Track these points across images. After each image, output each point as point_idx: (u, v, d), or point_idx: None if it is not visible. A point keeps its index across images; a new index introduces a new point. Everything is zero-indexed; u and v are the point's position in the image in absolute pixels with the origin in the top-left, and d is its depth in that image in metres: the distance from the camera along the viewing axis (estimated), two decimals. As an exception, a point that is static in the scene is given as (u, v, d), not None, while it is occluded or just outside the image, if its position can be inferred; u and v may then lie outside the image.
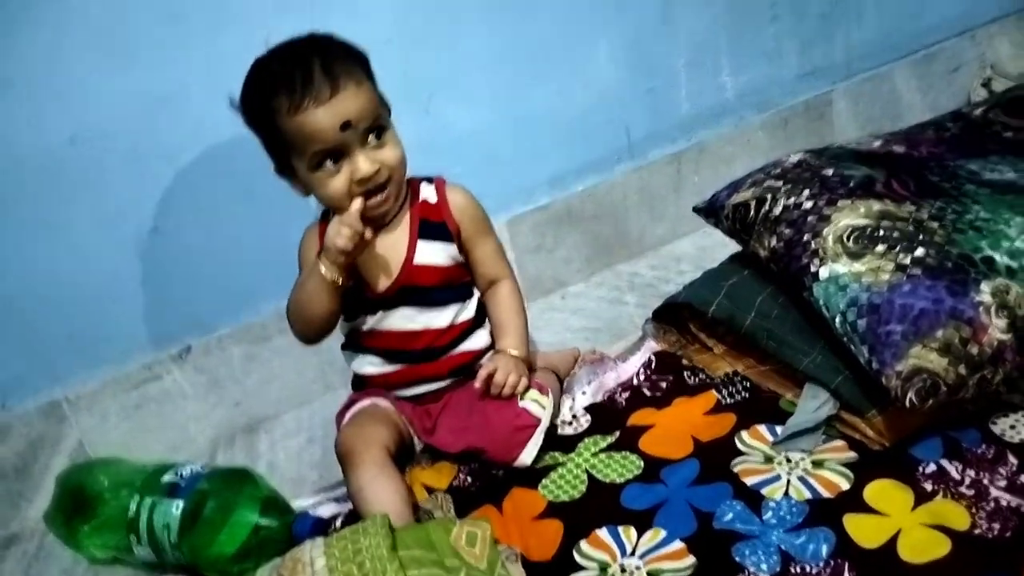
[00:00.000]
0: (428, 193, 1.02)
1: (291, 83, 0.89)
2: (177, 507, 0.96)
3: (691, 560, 0.80)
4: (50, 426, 1.16)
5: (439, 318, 1.01)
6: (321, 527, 0.96)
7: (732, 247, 1.18)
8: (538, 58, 1.32)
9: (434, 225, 1.01)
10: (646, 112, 1.42)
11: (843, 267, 0.91)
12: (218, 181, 1.17)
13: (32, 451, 1.16)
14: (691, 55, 1.43)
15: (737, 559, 0.79)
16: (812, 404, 0.93)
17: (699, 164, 1.47)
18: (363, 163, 0.92)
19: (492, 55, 1.29)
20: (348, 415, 1.04)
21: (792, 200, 1.01)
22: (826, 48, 1.54)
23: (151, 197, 1.14)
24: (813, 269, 0.93)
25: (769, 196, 1.03)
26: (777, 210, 1.01)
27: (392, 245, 1.00)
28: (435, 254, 1.01)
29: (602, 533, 0.86)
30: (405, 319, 1.01)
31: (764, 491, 0.86)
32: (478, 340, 1.06)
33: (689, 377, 1.07)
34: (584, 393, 1.08)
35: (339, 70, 0.90)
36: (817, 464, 0.88)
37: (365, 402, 1.04)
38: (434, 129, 1.28)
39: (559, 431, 1.03)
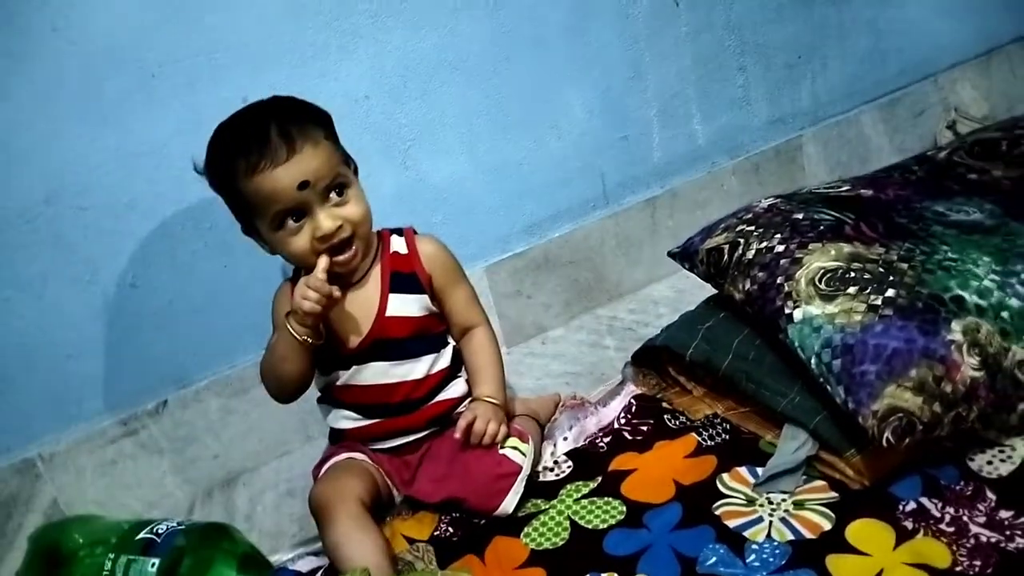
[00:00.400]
0: (398, 245, 1.03)
1: (248, 146, 0.90)
2: (153, 565, 0.94)
3: (675, 606, 0.80)
4: (24, 484, 1.14)
5: (414, 370, 1.01)
6: (300, 583, 0.94)
7: (709, 289, 1.19)
8: (512, 109, 1.34)
9: (405, 277, 1.01)
10: (620, 160, 1.45)
11: (816, 309, 0.92)
12: (195, 235, 1.17)
13: (5, 510, 1.14)
14: (662, 105, 1.46)
15: (721, 604, 0.79)
16: (791, 445, 0.94)
17: (673, 209, 1.50)
18: (324, 220, 0.92)
19: (468, 107, 1.31)
20: (323, 469, 1.03)
21: (764, 244, 1.02)
22: (793, 95, 1.58)
23: (127, 252, 1.14)
24: (787, 311, 0.95)
25: (742, 240, 1.05)
26: (750, 254, 1.03)
27: (363, 300, 1.00)
28: (407, 306, 1.01)
29: (585, 580, 0.85)
30: (380, 373, 1.01)
31: (747, 533, 0.86)
32: (455, 389, 1.05)
33: (669, 420, 1.07)
34: (566, 439, 1.07)
35: (296, 131, 0.91)
36: (799, 505, 0.89)
37: (340, 456, 1.03)
38: (412, 181, 1.29)
39: (541, 478, 1.03)
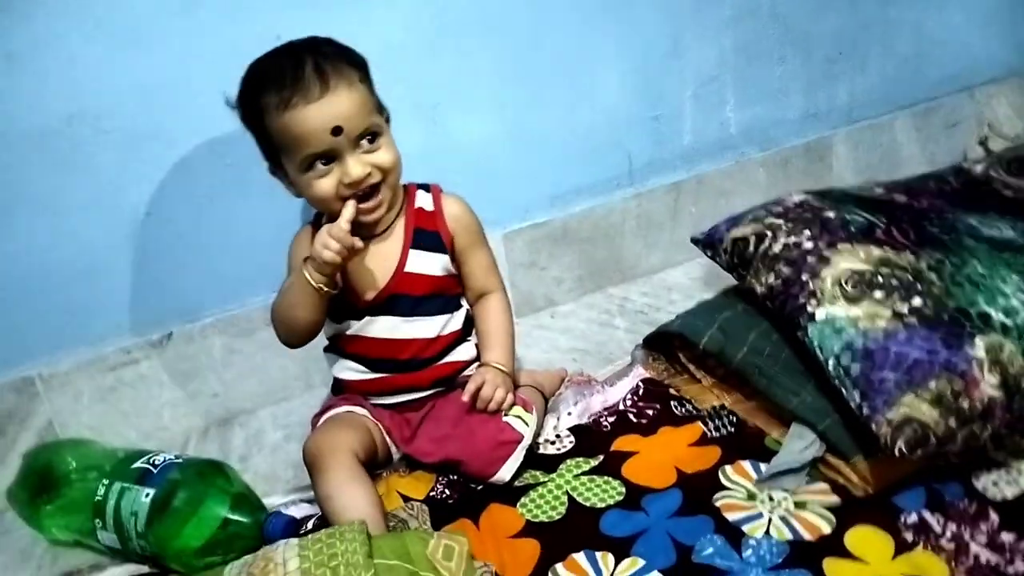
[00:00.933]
0: (424, 201, 1.01)
1: (281, 80, 0.88)
2: (147, 495, 0.93)
3: (668, 592, 0.79)
4: (21, 402, 1.13)
5: (426, 328, 1.00)
6: (293, 527, 0.94)
7: (724, 280, 1.18)
8: (547, 76, 1.32)
9: (428, 234, 1.00)
10: (649, 140, 1.43)
11: (840, 310, 0.91)
12: (214, 170, 1.15)
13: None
14: (698, 88, 1.43)
15: (715, 594, 0.78)
16: (798, 444, 0.93)
17: (697, 195, 1.48)
18: (353, 166, 0.91)
19: (502, 69, 1.29)
20: (321, 420, 1.02)
21: (792, 239, 1.01)
22: (830, 93, 1.56)
23: (145, 181, 1.12)
24: (810, 310, 0.94)
25: (769, 233, 1.04)
26: (776, 247, 1.01)
27: (384, 252, 0.99)
28: (427, 264, 0.99)
29: (579, 557, 0.85)
30: (391, 328, 0.99)
31: (745, 528, 0.86)
32: (463, 352, 1.05)
33: (676, 407, 1.06)
34: (570, 414, 1.07)
35: (331, 70, 0.89)
36: (799, 505, 0.88)
37: (340, 408, 1.02)
38: (438, 138, 1.27)
39: (541, 450, 1.02)
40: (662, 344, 1.15)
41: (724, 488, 0.92)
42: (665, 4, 1.36)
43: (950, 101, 1.67)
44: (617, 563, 0.83)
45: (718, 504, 0.89)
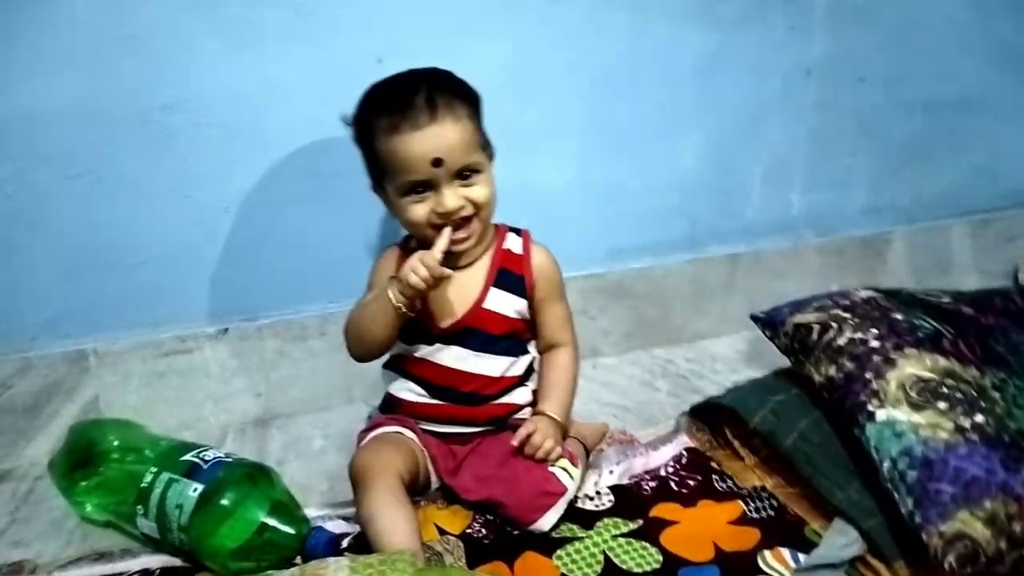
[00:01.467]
0: (513, 243, 1.04)
1: (394, 105, 0.92)
2: (195, 490, 0.94)
3: (702, 671, 0.79)
4: (71, 374, 1.14)
5: (492, 366, 1.01)
6: (335, 544, 0.94)
7: (769, 358, 1.20)
8: (629, 133, 1.34)
9: (512, 277, 1.02)
10: (714, 209, 1.45)
11: (903, 415, 0.92)
12: (298, 178, 1.18)
13: (46, 394, 1.14)
14: (769, 167, 1.46)
15: None
16: (840, 540, 0.93)
17: (753, 270, 1.49)
18: (448, 197, 0.94)
19: (588, 121, 1.32)
20: (369, 436, 1.02)
21: (859, 335, 1.02)
22: (895, 191, 1.58)
23: (230, 178, 1.15)
24: (870, 409, 0.94)
25: (835, 324, 1.05)
26: (841, 340, 1.02)
27: (466, 284, 1.00)
28: (505, 304, 1.01)
29: (613, 620, 0.85)
30: (459, 359, 1.01)
31: (781, 617, 0.86)
32: (520, 396, 1.06)
33: (717, 481, 1.06)
34: (611, 472, 1.07)
35: (442, 102, 0.92)
36: (836, 601, 0.88)
37: (390, 427, 1.03)
38: (513, 178, 1.26)
39: (580, 504, 1.02)
40: (707, 415, 1.16)
41: (762, 572, 0.92)
42: (754, 83, 1.39)
43: (1010, 215, 1.68)
44: (652, 632, 0.84)
45: (755, 588, 0.89)
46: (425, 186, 0.94)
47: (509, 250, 1.03)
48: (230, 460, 0.98)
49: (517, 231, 1.05)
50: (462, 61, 1.16)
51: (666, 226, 1.43)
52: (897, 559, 0.89)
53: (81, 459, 1.03)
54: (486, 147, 0.99)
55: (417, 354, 1.02)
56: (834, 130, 1.47)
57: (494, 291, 1.00)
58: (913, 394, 0.93)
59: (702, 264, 1.46)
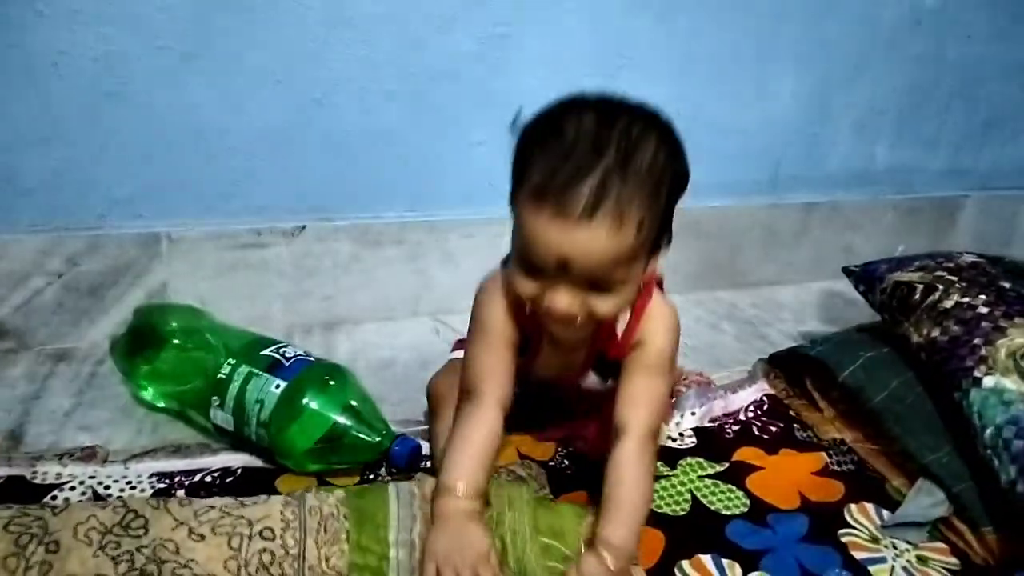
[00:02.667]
0: (620, 320, 0.82)
1: (556, 167, 0.67)
2: (277, 386, 0.91)
3: (797, 616, 0.79)
4: (142, 256, 1.10)
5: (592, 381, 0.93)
6: (419, 455, 0.92)
7: (834, 312, 1.18)
8: (728, 65, 1.29)
9: (610, 365, 0.86)
10: (800, 154, 1.41)
11: (1012, 383, 0.90)
12: (396, 76, 1.12)
13: (114, 275, 1.10)
14: (862, 116, 1.41)
15: (845, 630, 0.78)
16: (926, 500, 0.93)
17: (827, 221, 1.47)
18: (561, 300, 0.71)
19: (692, 45, 1.26)
20: (452, 356, 1.00)
21: (967, 299, 1.00)
22: (976, 155, 1.54)
23: (326, 67, 1.09)
24: (977, 374, 0.93)
25: (940, 286, 1.02)
26: (948, 303, 1.00)
27: (571, 356, 0.88)
28: (601, 383, 0.91)
29: (706, 560, 0.84)
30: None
31: (871, 568, 0.85)
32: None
33: (798, 431, 1.06)
34: (693, 414, 1.06)
35: (610, 203, 0.66)
36: (922, 560, 0.88)
37: None
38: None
39: (662, 443, 1.01)
40: (786, 364, 1.14)
41: (849, 525, 0.91)
42: (860, 28, 1.33)
43: (1082, 193, 1.66)
44: (745, 574, 0.83)
45: (844, 540, 0.89)
46: (543, 273, 0.72)
47: (613, 328, 0.83)
48: (311, 359, 0.96)
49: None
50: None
51: (748, 167, 1.39)
52: (986, 524, 0.89)
53: (144, 342, 1.00)
54: (656, 246, 0.74)
55: None
56: (931, 86, 1.43)
57: (592, 375, 0.90)
58: (1023, 364, 0.92)
59: (779, 210, 1.43)
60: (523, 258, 0.72)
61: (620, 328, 0.82)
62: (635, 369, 0.81)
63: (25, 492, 0.83)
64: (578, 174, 0.67)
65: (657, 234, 0.73)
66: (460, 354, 0.99)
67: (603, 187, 0.66)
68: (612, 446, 0.80)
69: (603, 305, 0.73)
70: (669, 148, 0.72)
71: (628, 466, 0.78)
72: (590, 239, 0.67)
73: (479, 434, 0.78)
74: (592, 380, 0.90)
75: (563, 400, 0.98)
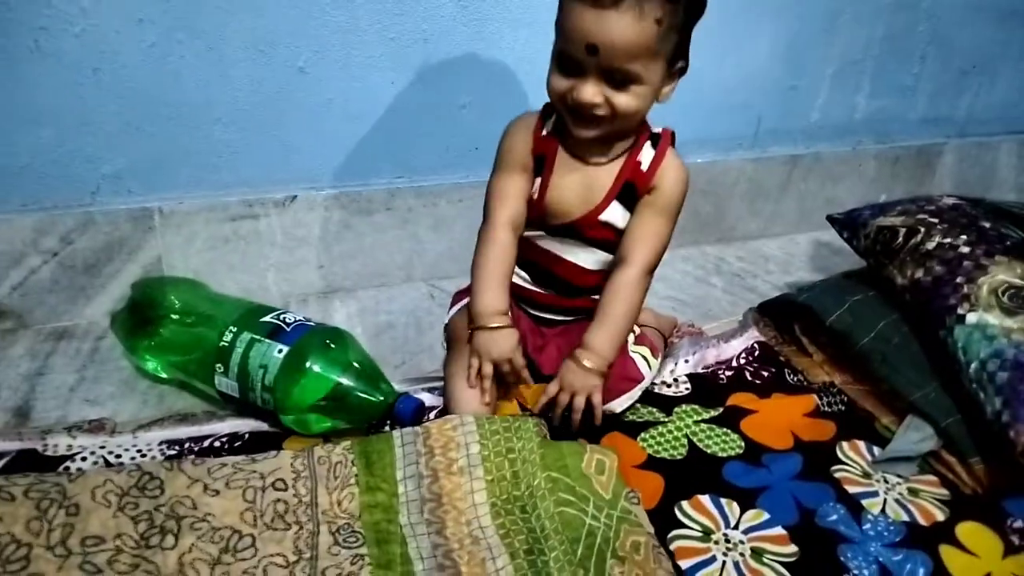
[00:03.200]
0: (646, 157, 0.93)
1: None
2: (279, 351, 0.93)
3: (794, 548, 0.82)
4: (135, 232, 1.11)
5: (589, 259, 0.98)
6: (422, 411, 0.94)
7: (819, 261, 1.21)
8: (705, 24, 1.28)
9: (634, 192, 0.94)
10: (781, 108, 1.43)
11: (994, 319, 0.93)
12: (378, 42, 1.12)
13: (108, 251, 1.10)
14: (839, 67, 1.43)
15: (842, 559, 0.81)
16: (915, 435, 0.96)
17: (810, 173, 1.49)
18: (587, 90, 0.83)
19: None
20: (464, 301, 1.01)
21: (948, 240, 1.02)
22: (953, 102, 1.57)
23: (308, 35, 1.08)
24: (960, 312, 0.96)
25: (922, 229, 1.05)
26: (930, 245, 1.03)
27: (591, 187, 0.94)
28: (621, 218, 0.95)
29: (705, 500, 0.87)
30: (560, 245, 0.97)
31: (864, 502, 0.89)
32: None
33: (789, 375, 1.09)
34: (687, 361, 1.08)
35: (657, 2, 0.79)
36: (913, 492, 0.91)
37: None
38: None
39: (657, 390, 1.04)
40: (774, 312, 1.17)
41: (841, 462, 0.95)
42: (834, -23, 1.34)
43: (1059, 136, 1.69)
44: (742, 512, 0.86)
45: (837, 476, 0.92)
46: (575, 65, 0.83)
47: (639, 163, 0.93)
48: (311, 323, 0.97)
49: (656, 139, 0.95)
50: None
51: (731, 122, 1.41)
52: (973, 455, 0.92)
53: (144, 316, 1.01)
54: (673, 59, 0.86)
55: (528, 234, 0.98)
56: (907, 34, 1.44)
57: (615, 204, 0.94)
58: (1004, 299, 0.95)
59: (762, 163, 1.44)
60: (560, 52, 0.85)
61: (645, 162, 0.93)
62: (646, 210, 0.94)
63: (38, 464, 0.84)
64: None
65: (674, 48, 0.85)
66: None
67: None
68: (613, 273, 0.94)
69: (621, 99, 0.84)
70: None
71: (624, 288, 0.93)
72: (615, 24, 0.79)
73: (493, 255, 0.93)
74: (616, 214, 0.94)
75: (558, 291, 1.01)
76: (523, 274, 1.01)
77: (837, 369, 1.09)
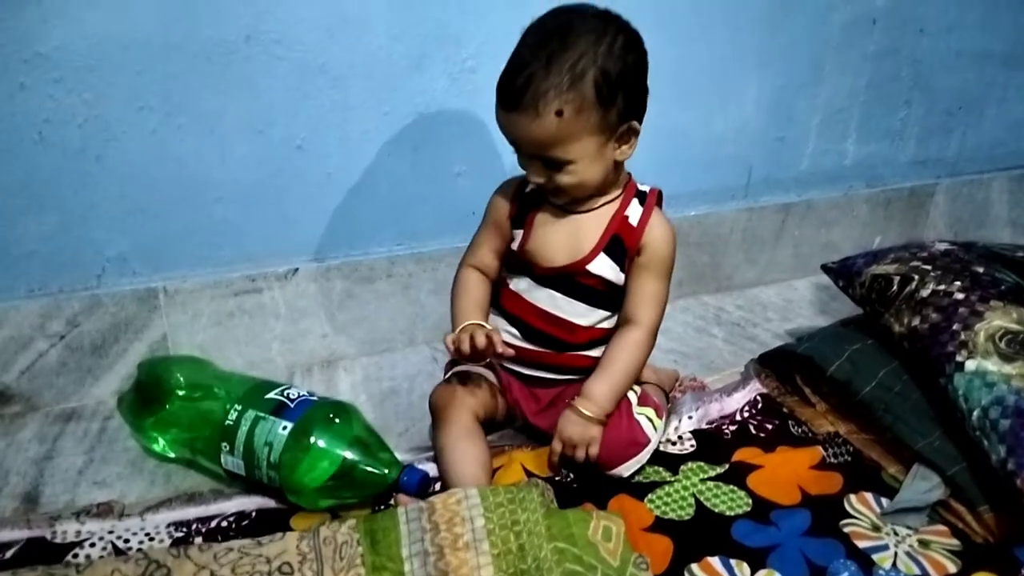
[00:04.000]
0: (633, 213, 0.98)
1: (506, 66, 0.88)
2: (284, 428, 0.93)
3: (806, 609, 0.82)
4: (140, 312, 1.12)
5: (583, 315, 1.00)
6: (428, 483, 0.95)
7: (819, 306, 1.22)
8: (695, 80, 1.33)
9: (621, 247, 0.98)
10: (771, 158, 1.45)
11: (993, 365, 0.94)
12: (371, 116, 1.15)
13: (114, 332, 1.12)
14: (826, 117, 1.46)
15: (855, 619, 0.81)
16: (923, 485, 0.96)
17: (804, 220, 1.50)
18: (531, 174, 0.93)
19: (657, 66, 1.28)
20: (451, 371, 1.04)
21: (943, 287, 1.03)
22: (942, 143, 1.59)
23: (304, 113, 1.11)
24: (959, 359, 0.96)
25: (916, 276, 1.06)
26: (925, 292, 1.04)
27: (579, 235, 0.98)
28: (609, 271, 0.98)
29: (714, 562, 0.87)
30: (551, 300, 1.00)
31: (875, 557, 0.88)
32: (602, 351, 1.04)
33: (793, 427, 1.09)
34: (690, 418, 1.08)
35: (532, 93, 0.85)
36: (924, 544, 0.91)
37: (471, 365, 1.04)
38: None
39: (662, 448, 1.04)
40: (776, 362, 1.18)
41: (850, 516, 0.94)
42: (815, 32, 1.38)
43: (1050, 171, 1.71)
44: (753, 572, 0.86)
45: (846, 530, 0.92)
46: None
47: (627, 218, 0.97)
48: (314, 399, 0.98)
49: (643, 197, 0.99)
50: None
51: (721, 174, 1.43)
52: (982, 503, 0.92)
53: (150, 396, 1.02)
54: (610, 128, 0.89)
55: (514, 287, 1.01)
56: (891, 80, 1.47)
57: (603, 257, 0.97)
58: (1002, 345, 0.95)
59: (756, 213, 1.46)
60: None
61: (634, 218, 0.97)
62: (642, 272, 0.98)
63: (47, 553, 0.84)
64: (514, 71, 0.86)
65: (601, 120, 0.87)
66: (458, 368, 1.05)
67: (527, 82, 0.84)
68: (619, 331, 0.99)
69: (563, 178, 0.91)
70: (608, 47, 0.86)
71: (632, 345, 0.98)
72: (520, 124, 0.87)
73: (461, 287, 1.03)
74: (604, 266, 0.97)
75: (548, 347, 1.02)
76: (513, 331, 1.02)
77: (841, 419, 1.09)
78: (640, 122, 0.93)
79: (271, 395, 0.98)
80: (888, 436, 1.03)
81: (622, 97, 0.89)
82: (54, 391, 1.11)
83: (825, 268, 1.19)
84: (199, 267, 1.14)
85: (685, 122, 1.35)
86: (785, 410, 1.12)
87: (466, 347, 0.94)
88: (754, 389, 1.15)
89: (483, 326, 0.97)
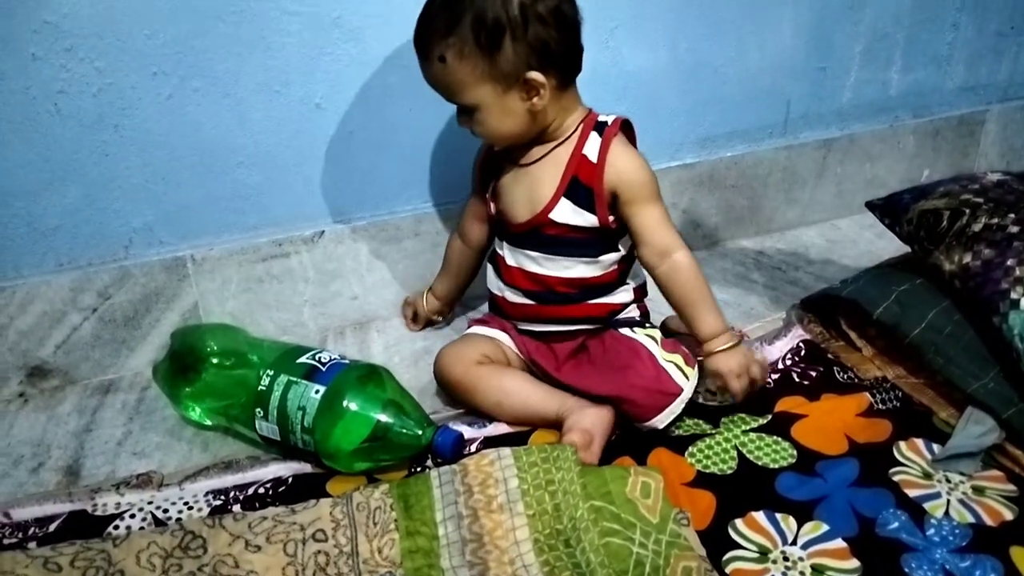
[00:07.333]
0: (591, 149, 0.94)
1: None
2: (317, 391, 0.92)
3: (856, 563, 0.78)
4: (170, 282, 1.12)
5: (567, 270, 0.97)
6: (462, 443, 0.93)
7: (863, 246, 1.17)
8: (724, 12, 1.26)
9: (583, 189, 0.94)
10: (811, 91, 1.38)
11: (1050, 302, 0.89)
12: (390, 70, 1.11)
13: (145, 303, 1.12)
14: (868, 44, 1.38)
15: (906, 571, 0.78)
16: (976, 429, 0.92)
17: (846, 156, 1.44)
18: (458, 118, 0.95)
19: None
20: (472, 329, 1.05)
21: (996, 220, 0.98)
22: (992, 66, 1.50)
23: (321, 70, 1.08)
24: (1014, 296, 0.91)
25: (967, 210, 1.00)
26: (977, 227, 0.98)
27: (536, 186, 0.96)
28: (575, 217, 0.95)
29: (759, 517, 0.84)
30: (532, 261, 0.98)
31: (926, 506, 0.85)
32: (620, 296, 1.01)
33: (838, 373, 1.05)
34: (730, 368, 1.05)
35: (424, 36, 0.89)
36: (978, 490, 0.87)
37: (480, 329, 1.04)
38: (607, 63, 1.23)
39: (702, 400, 1.01)
40: (819, 307, 1.13)
41: (900, 464, 0.91)
42: (857, -50, 1.30)
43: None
44: (799, 526, 0.83)
45: (896, 479, 0.89)
46: None
47: (585, 156, 0.94)
48: (346, 362, 0.97)
49: (602, 128, 0.95)
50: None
51: (760, 111, 1.37)
52: (1039, 447, 0.88)
53: (184, 364, 1.02)
54: (508, 77, 0.88)
55: (501, 253, 1.01)
56: (938, 2, 1.39)
57: (564, 202, 0.94)
58: (1061, 281, 0.90)
59: (795, 151, 1.40)
60: None
61: (592, 154, 0.93)
62: (632, 208, 0.94)
63: (88, 525, 0.85)
64: (418, 28, 0.90)
65: (491, 69, 0.87)
66: (474, 330, 1.05)
67: (419, 28, 0.90)
68: (660, 272, 0.95)
69: (476, 126, 0.93)
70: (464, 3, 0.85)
71: (681, 272, 0.94)
72: (423, 70, 0.92)
73: (445, 255, 1.15)
74: (566, 211, 0.95)
75: (546, 301, 1.00)
76: (511, 287, 1.01)
77: (889, 363, 1.05)
78: (553, 74, 0.90)
79: (303, 359, 0.97)
80: (939, 379, 0.99)
81: (510, 44, 0.86)
82: (91, 364, 1.12)
83: (870, 205, 1.13)
84: (225, 234, 1.12)
85: (716, 56, 1.29)
86: (830, 356, 1.08)
87: (408, 318, 1.17)
88: (797, 335, 1.11)
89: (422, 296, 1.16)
